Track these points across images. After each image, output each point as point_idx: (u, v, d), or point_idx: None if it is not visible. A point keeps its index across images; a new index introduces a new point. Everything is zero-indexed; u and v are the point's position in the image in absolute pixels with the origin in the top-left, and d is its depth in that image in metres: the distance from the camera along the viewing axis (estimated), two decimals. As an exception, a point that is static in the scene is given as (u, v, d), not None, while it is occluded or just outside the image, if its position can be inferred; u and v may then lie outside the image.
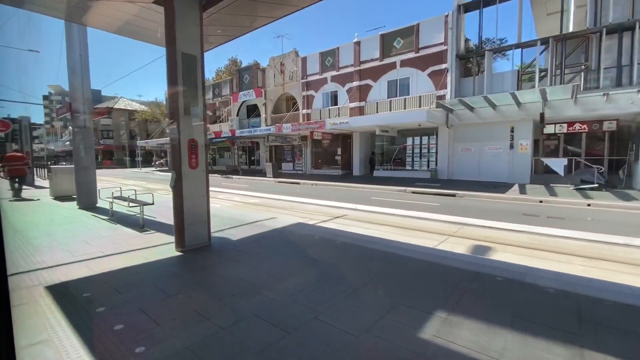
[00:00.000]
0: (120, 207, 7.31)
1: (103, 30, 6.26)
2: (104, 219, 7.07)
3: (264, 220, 6.90)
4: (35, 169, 19.03)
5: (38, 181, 16.93)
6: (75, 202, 9.27)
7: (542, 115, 12.41)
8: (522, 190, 13.31)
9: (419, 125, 17.08)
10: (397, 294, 3.21)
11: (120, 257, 4.45)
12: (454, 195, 12.90)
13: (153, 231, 5.97)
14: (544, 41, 14.74)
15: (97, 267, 4.02)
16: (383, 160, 20.92)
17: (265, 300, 3.08)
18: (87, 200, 8.61)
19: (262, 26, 6.04)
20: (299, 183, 18.46)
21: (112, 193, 7.00)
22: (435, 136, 18.02)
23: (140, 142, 36.29)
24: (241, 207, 10.00)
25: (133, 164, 48.06)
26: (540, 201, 11.33)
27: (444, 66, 17.27)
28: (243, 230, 6.07)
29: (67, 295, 3.19)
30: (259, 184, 18.69)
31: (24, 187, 12.12)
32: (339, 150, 22.77)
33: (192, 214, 4.79)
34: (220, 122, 31.51)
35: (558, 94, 13.14)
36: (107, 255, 4.48)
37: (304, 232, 5.83)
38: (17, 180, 10.63)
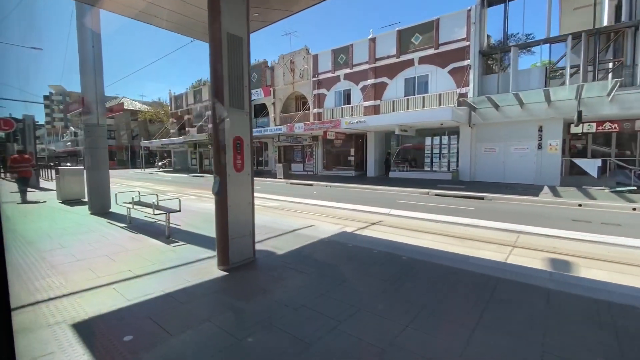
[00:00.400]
0: (136, 213, 6.57)
1: (119, 15, 5.50)
2: (123, 227, 6.31)
3: (302, 229, 6.15)
4: (40, 170, 18.26)
5: (42, 183, 16.16)
6: (86, 207, 8.51)
7: (579, 113, 11.66)
8: (555, 192, 12.56)
9: (441, 125, 16.34)
10: (554, 344, 2.46)
11: (154, 278, 3.69)
12: (482, 198, 12.17)
13: (182, 242, 5.21)
14: (576, 36, 13.99)
15: (130, 292, 3.27)
16: (398, 161, 20.15)
17: (358, 342, 2.33)
18: (100, 205, 7.85)
19: (304, 9, 5.30)
20: (312, 184, 17.72)
21: (132, 198, 6.24)
22: (456, 136, 17.26)
23: (144, 143, 35.52)
24: (265, 211, 9.24)
25: (135, 165, 47.31)
26: (580, 205, 10.58)
27: (465, 63, 16.53)
28: (284, 241, 5.31)
29: (102, 340, 2.43)
30: (271, 185, 17.93)
31: (28, 189, 11.38)
32: (352, 151, 22.01)
33: (238, 225, 4.04)
34: (226, 121, 30.71)
35: (595, 91, 12.40)
36: (138, 276, 3.73)
37: (358, 245, 5.07)
38: (22, 182, 10.13)
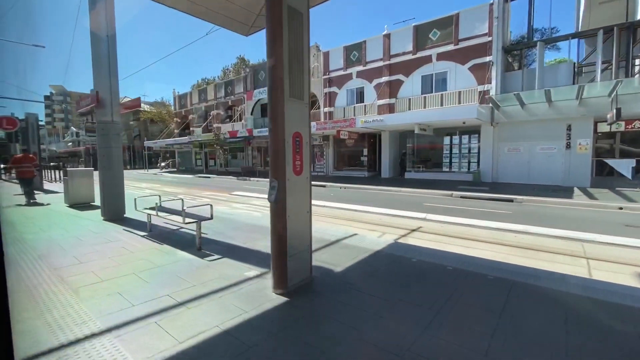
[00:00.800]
0: (154, 218, 5.90)
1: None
2: (143, 237, 5.62)
3: (345, 239, 5.46)
4: (44, 171, 17.55)
5: (47, 185, 15.45)
6: (97, 212, 7.82)
7: (618, 110, 10.98)
8: (589, 195, 11.90)
9: (464, 123, 15.66)
10: None
11: (201, 306, 3.00)
12: (511, 201, 11.51)
13: (216, 255, 4.52)
14: (607, 29, 13.32)
15: (178, 328, 2.58)
16: (414, 161, 19.47)
17: None
18: (114, 210, 7.16)
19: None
20: (325, 186, 17.03)
21: (157, 204, 5.54)
22: (477, 135, 16.59)
23: (147, 143, 34.82)
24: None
25: (137, 165, 46.59)
26: (620, 208, 9.93)
27: (487, 59, 15.85)
28: (334, 254, 4.62)
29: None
30: (284, 187, 17.19)
31: (36, 192, 10.69)
32: (365, 151, 21.33)
33: (296, 239, 3.36)
34: (233, 121, 30.07)
35: (630, 88, 11.73)
36: (181, 304, 3.04)
37: (423, 260, 4.38)
38: (25, 183, 9.79)
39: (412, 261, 4.28)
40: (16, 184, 11.69)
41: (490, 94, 15.64)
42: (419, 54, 18.10)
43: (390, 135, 19.77)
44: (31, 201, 9.64)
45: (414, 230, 7.12)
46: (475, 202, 11.34)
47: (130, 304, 3.04)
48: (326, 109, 22.64)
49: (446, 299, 3.14)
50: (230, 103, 30.48)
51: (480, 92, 16.05)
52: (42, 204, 9.71)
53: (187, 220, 4.66)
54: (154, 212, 5.45)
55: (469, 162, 16.98)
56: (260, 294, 3.26)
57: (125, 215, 7.40)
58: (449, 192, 13.16)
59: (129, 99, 53.54)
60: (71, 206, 8.89)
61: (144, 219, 6.81)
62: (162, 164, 39.67)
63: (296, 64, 3.27)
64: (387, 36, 19.28)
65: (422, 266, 4.09)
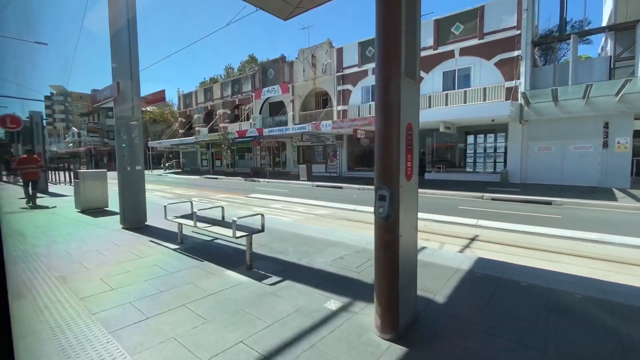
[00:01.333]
0: (170, 224, 5.08)
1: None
2: (177, 251, 4.80)
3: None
4: (50, 173, 16.70)
5: (53, 187, 14.61)
6: (113, 218, 7.01)
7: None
8: (633, 196, 11.09)
9: (492, 121, 14.85)
10: None
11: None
12: (549, 203, 10.72)
13: (275, 277, 3.70)
14: (649, 21, 12.53)
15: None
16: (434, 162, 18.66)
17: None
18: (135, 218, 6.34)
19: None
20: (341, 187, 16.21)
21: (195, 213, 4.71)
22: (504, 134, 15.79)
23: (152, 143, 33.98)
24: (325, 222, 7.72)
25: (143, 165, 45.67)
26: (676, 211, 9.13)
27: (515, 53, 15.03)
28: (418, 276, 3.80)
29: None
30: (297, 188, 16.42)
31: (38, 195, 9.88)
32: (382, 151, 20.47)
33: (406, 264, 2.54)
34: (240, 121, 29.24)
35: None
36: (265, 358, 2.22)
37: (533, 283, 3.57)
38: (30, 185, 9.40)
39: (522, 285, 3.47)
40: (20, 186, 11.16)
41: (519, 90, 14.84)
42: (440, 49, 17.29)
43: (408, 134, 18.94)
44: (33, 204, 9.24)
45: (472, 239, 6.32)
46: (511, 205, 10.57)
47: (195, 356, 2.22)
48: (339, 107, 21.82)
49: (621, 348, 2.32)
50: (237, 102, 29.64)
51: (507, 88, 15.24)
52: (46, 207, 9.13)
53: (239, 233, 3.83)
54: (188, 222, 4.62)
55: (495, 162, 16.17)
56: (363, 340, 2.44)
57: (146, 223, 6.58)
58: (479, 194, 12.38)
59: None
60: (83, 212, 8.06)
61: (167, 226, 6.02)
62: (166, 165, 38.85)
63: (410, 34, 2.45)
64: (406, 31, 18.43)
65: (541, 293, 3.27)
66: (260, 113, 27.30)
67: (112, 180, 7.37)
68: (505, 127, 15.66)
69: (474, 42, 16.18)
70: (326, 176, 22.19)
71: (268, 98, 26.81)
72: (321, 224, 7.44)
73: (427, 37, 17.71)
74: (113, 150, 48.74)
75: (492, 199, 11.91)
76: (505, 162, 15.76)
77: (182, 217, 5.07)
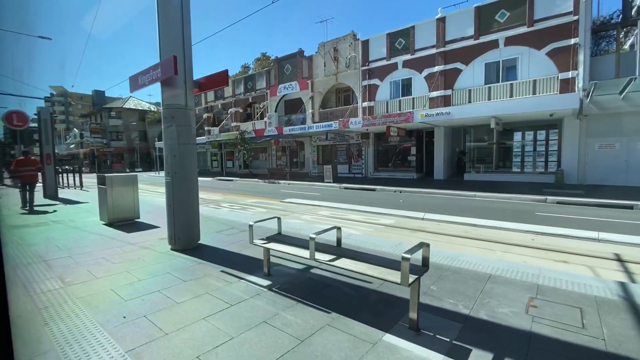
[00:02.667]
0: (229, 244, 3.66)
1: None
2: (273, 290, 3.36)
3: (544, 280, 3.23)
4: (61, 176, 15.22)
5: (65, 193, 13.10)
6: (154, 235, 5.60)
7: None
8: None
9: (551, 115, 13.46)
10: None
11: None
12: (630, 208, 9.40)
13: (463, 344, 2.28)
14: None
15: None
16: (474, 161, 17.27)
17: None
18: (188, 236, 4.91)
19: None
20: (374, 190, 14.82)
21: (313, 239, 3.27)
22: (556, 130, 14.40)
23: (159, 144, 32.47)
24: (397, 234, 6.29)
25: (146, 168, 44.26)
26: None
27: (572, 42, 13.64)
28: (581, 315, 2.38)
29: None
30: (326, 191, 15.01)
31: (53, 203, 8.44)
32: (413, 150, 19.10)
33: None
34: (255, 119, 27.80)
35: None
36: None
37: None
38: (27, 188, 9.16)
39: None
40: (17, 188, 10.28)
41: (577, 82, 13.46)
42: (482, 39, 15.89)
43: (445, 131, 17.58)
44: (30, 209, 9.03)
45: (589, 255, 4.94)
46: (584, 210, 9.27)
47: None
48: (365, 104, 20.40)
49: None
50: (250, 100, 28.19)
51: (562, 80, 13.85)
52: (44, 212, 8.54)
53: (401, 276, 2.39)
54: (298, 252, 3.19)
55: (546, 162, 14.77)
56: None
57: (200, 242, 5.15)
58: (539, 197, 11.03)
59: (134, 99, 51.02)
60: (110, 224, 6.62)
61: (224, 245, 4.65)
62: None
63: None
64: (442, 20, 17.06)
65: None
66: (276, 111, 25.86)
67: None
68: (559, 123, 14.28)
69: (522, 30, 14.78)
70: (350, 177, 20.78)
71: (285, 95, 25.38)
72: (409, 239, 6.01)
73: (466, 27, 16.34)
74: (116, 152, 47.26)
75: (558, 203, 10.56)
76: (558, 161, 14.37)
77: (271, 239, 3.65)
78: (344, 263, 2.84)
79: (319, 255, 3.00)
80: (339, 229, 3.35)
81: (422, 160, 19.67)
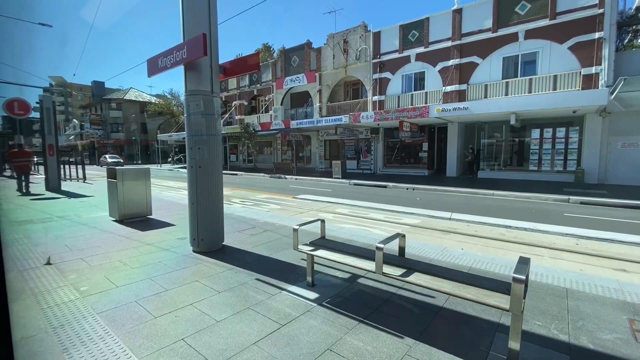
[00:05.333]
0: (254, 246, 3.19)
1: None
2: (326, 306, 2.90)
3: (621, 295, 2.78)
4: (64, 167, 14.66)
5: (68, 185, 12.56)
6: (170, 234, 5.13)
7: None
8: None
9: (574, 112, 12.96)
10: None
11: None
12: None
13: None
14: None
15: None
16: (486, 159, 16.79)
17: None
18: (211, 237, 4.44)
19: None
20: (386, 187, 14.37)
21: (383, 250, 2.81)
22: (577, 128, 13.92)
23: (161, 136, 31.92)
24: (426, 237, 5.83)
25: (144, 161, 43.66)
26: None
27: (596, 36, 13.10)
28: None
29: None
30: (336, 187, 14.56)
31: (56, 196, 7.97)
32: (425, 146, 18.61)
33: None
34: (260, 112, 27.20)
35: None
36: None
37: None
38: (23, 178, 10.50)
39: None
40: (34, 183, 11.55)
41: (601, 77, 12.95)
42: (501, 32, 15.32)
43: (459, 128, 17.07)
44: (26, 191, 10.43)
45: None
46: (610, 211, 8.90)
47: None
48: (376, 98, 19.84)
49: None
50: (255, 92, 27.56)
51: (585, 75, 13.33)
52: (40, 194, 10.01)
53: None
54: (360, 264, 2.72)
55: (565, 160, 14.31)
56: None
57: (224, 244, 4.68)
58: (561, 197, 10.61)
59: (135, 91, 50.09)
60: (121, 221, 6.14)
61: (250, 247, 4.22)
62: (174, 159, 36.84)
63: None
64: (458, 11, 16.45)
65: None
66: (282, 104, 25.26)
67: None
68: (579, 120, 13.79)
69: (544, 23, 14.21)
70: (359, 173, 20.30)
71: (291, 88, 24.77)
72: (449, 242, 5.55)
73: (484, 19, 15.75)
74: (117, 143, 46.56)
75: (581, 203, 10.13)
76: (578, 160, 13.91)
77: (316, 244, 3.17)
78: (420, 279, 2.37)
79: (386, 269, 2.53)
80: (403, 236, 2.88)
81: (434, 156, 19.20)
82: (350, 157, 21.97)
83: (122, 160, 33.74)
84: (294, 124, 20.83)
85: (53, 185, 11.00)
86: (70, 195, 10.11)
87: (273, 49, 38.25)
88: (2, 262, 0.66)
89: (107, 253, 4.35)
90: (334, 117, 18.73)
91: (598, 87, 12.87)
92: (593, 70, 13.20)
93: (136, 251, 4.44)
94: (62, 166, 13.64)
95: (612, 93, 12.10)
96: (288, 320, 2.64)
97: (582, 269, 4.45)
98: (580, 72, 13.51)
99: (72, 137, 53.98)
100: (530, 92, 14.65)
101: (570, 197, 10.56)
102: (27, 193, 10.23)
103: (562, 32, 13.85)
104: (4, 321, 0.65)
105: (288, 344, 2.30)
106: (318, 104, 22.94)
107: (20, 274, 3.58)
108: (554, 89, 14.09)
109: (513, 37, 15.03)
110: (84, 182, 14.25)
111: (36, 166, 20.54)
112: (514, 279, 1.89)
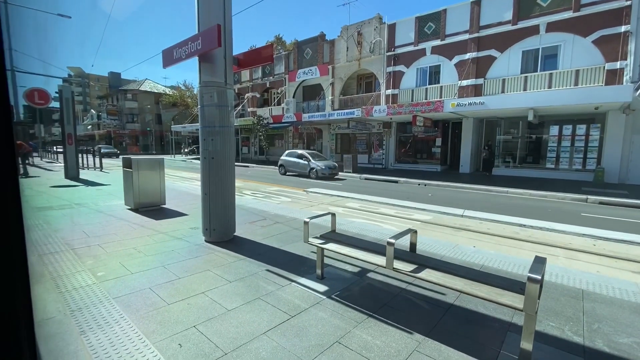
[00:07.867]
0: (264, 237, 3.19)
1: None
2: (335, 299, 2.92)
3: None
4: (83, 156, 15.07)
5: (85, 174, 12.90)
6: (183, 223, 5.23)
7: None
8: None
9: (596, 109, 12.52)
10: None
11: None
12: None
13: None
14: None
15: None
16: (501, 156, 16.43)
17: None
18: (224, 228, 4.50)
19: None
20: (397, 182, 14.22)
21: (394, 245, 2.80)
22: (598, 125, 13.44)
23: (175, 127, 32.35)
24: (437, 234, 5.76)
25: (158, 151, 44.42)
26: None
27: (622, 29, 12.54)
28: None
29: None
30: (347, 181, 14.52)
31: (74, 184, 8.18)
32: (438, 141, 18.31)
33: None
34: (273, 105, 27.22)
35: None
36: None
37: None
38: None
39: None
40: (49, 170, 11.72)
41: (626, 72, 12.43)
42: (521, 24, 14.82)
43: (474, 123, 16.72)
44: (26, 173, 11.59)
45: None
46: (633, 212, 8.54)
47: None
48: (389, 91, 19.57)
49: None
50: (267, 85, 27.57)
51: (609, 70, 12.81)
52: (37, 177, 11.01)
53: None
54: (372, 259, 2.71)
55: (584, 158, 13.87)
56: None
57: (235, 234, 4.75)
58: (581, 197, 10.29)
59: (150, 82, 50.83)
60: (136, 210, 6.29)
61: (260, 239, 4.25)
62: (186, 150, 37.35)
63: None
64: (477, 3, 15.98)
65: None
66: (294, 97, 25.21)
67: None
68: (601, 117, 13.31)
69: (567, 15, 13.67)
70: (370, 168, 20.17)
71: (303, 81, 24.66)
72: (460, 239, 5.48)
73: (503, 11, 15.26)
74: (132, 134, 47.48)
75: (600, 203, 9.82)
76: (598, 158, 13.47)
77: (327, 237, 3.18)
78: (432, 276, 2.35)
79: (397, 264, 2.52)
80: (414, 232, 2.86)
81: (447, 152, 18.90)
82: (361, 151, 21.84)
83: (117, 151, 33.93)
84: (305, 117, 20.79)
85: (72, 173, 11.33)
86: (87, 183, 10.39)
87: (284, 41, 38.04)
88: (25, 246, 0.69)
89: (122, 240, 4.47)
90: (346, 111, 18.60)
91: (622, 83, 12.36)
92: (618, 65, 12.67)
93: (150, 239, 4.55)
94: (81, 155, 14.02)
95: (637, 89, 11.60)
96: (297, 311, 2.66)
97: (599, 270, 4.33)
98: (604, 67, 13.00)
99: (90, 127, 55.29)
100: (550, 87, 14.20)
101: (589, 196, 10.24)
102: (26, 175, 11.59)
103: (586, 24, 13.31)
104: (27, 302, 0.68)
105: (297, 335, 2.32)
106: (330, 97, 22.81)
107: (40, 258, 3.71)
108: (576, 84, 13.61)
109: (534, 30, 14.53)
110: (100, 170, 14.61)
111: (56, 155, 21.42)
112: (529, 279, 1.85)
